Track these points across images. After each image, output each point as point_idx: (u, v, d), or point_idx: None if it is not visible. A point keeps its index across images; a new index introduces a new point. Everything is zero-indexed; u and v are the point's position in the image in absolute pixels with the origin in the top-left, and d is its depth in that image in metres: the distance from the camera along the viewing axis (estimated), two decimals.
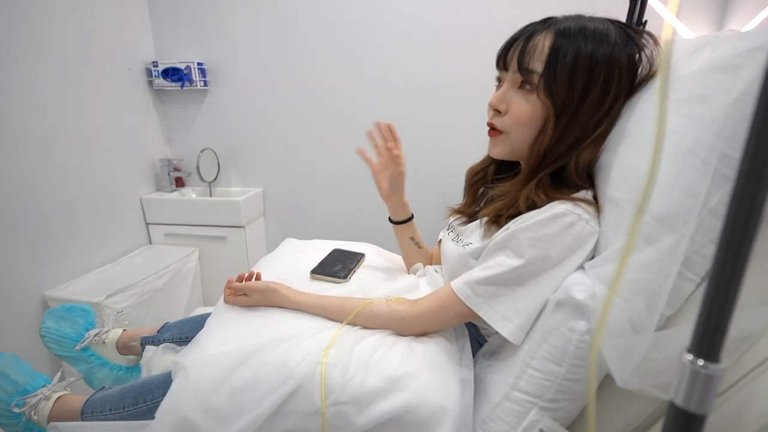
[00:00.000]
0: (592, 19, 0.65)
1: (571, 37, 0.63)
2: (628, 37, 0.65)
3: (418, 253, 1.00)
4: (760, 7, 1.43)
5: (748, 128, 0.25)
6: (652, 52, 0.66)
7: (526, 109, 0.67)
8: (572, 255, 0.62)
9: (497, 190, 0.74)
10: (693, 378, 0.28)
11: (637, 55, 0.65)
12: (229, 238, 1.95)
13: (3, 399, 0.80)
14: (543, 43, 0.64)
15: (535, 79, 0.65)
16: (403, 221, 0.98)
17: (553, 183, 0.67)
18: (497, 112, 0.70)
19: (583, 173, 0.67)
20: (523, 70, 0.66)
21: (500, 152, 0.73)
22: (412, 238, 0.99)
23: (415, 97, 1.89)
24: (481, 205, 0.83)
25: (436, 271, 0.92)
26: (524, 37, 0.66)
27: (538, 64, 0.64)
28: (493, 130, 0.72)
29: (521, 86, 0.67)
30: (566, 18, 0.66)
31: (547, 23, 0.66)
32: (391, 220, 0.99)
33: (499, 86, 0.72)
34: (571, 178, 0.67)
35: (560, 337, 0.58)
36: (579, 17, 0.66)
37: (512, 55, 0.67)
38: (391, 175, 0.92)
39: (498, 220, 0.69)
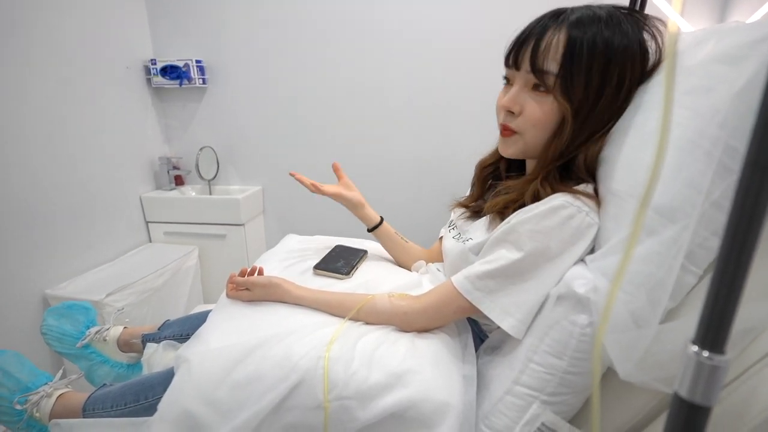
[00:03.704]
0: (600, 7, 0.64)
1: (585, 29, 0.61)
2: (636, 23, 0.63)
3: (405, 248, 1.02)
4: (761, 1, 1.42)
5: (755, 119, 0.25)
6: (660, 38, 0.64)
7: (541, 112, 0.65)
8: (572, 247, 0.62)
9: (506, 184, 0.73)
10: (698, 369, 0.28)
11: (646, 42, 0.64)
12: (229, 236, 1.95)
13: (5, 396, 0.81)
14: (557, 41, 0.62)
15: (551, 80, 0.62)
16: (379, 223, 1.02)
17: (559, 176, 0.67)
18: (510, 113, 0.68)
19: (590, 166, 0.66)
20: (537, 71, 0.63)
21: (513, 152, 0.71)
22: (396, 232, 1.03)
23: (415, 96, 1.87)
24: (487, 199, 0.83)
25: (438, 269, 0.92)
26: (536, 34, 0.63)
27: (552, 65, 0.62)
28: (506, 131, 0.70)
29: (534, 87, 0.65)
30: (575, 9, 0.64)
31: (558, 18, 0.63)
32: (369, 230, 1.03)
33: (508, 85, 0.70)
34: (578, 172, 0.67)
35: (562, 331, 0.58)
36: (588, 7, 0.64)
37: (524, 54, 0.64)
38: (345, 196, 1.01)
39: (504, 212, 0.69)
